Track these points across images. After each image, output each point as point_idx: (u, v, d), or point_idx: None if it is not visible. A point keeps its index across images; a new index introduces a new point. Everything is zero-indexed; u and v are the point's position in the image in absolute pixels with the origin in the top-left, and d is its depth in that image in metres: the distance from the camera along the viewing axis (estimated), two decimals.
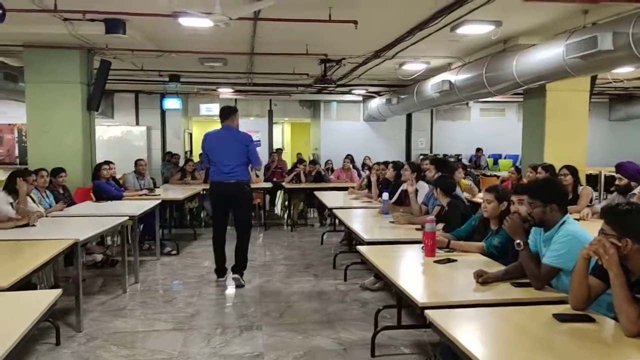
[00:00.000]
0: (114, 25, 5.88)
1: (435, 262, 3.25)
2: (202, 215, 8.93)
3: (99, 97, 7.54)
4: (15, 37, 6.71)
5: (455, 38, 6.73)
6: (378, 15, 5.70)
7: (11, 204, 4.66)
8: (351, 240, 6.95)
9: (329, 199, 6.83)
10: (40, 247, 3.66)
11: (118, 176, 7.29)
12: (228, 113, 5.38)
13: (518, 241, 2.71)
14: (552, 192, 2.74)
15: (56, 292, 2.59)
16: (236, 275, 5.30)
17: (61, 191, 5.97)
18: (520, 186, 3.50)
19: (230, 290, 5.22)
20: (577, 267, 2.25)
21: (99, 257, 5.92)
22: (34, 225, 4.46)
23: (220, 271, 5.46)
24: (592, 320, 2.19)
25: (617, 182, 4.84)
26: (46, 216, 4.99)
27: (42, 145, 7.13)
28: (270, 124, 14.11)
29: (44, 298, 2.52)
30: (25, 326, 2.15)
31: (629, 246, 2.10)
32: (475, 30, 6.10)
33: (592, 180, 9.13)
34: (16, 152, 12.77)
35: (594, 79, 7.84)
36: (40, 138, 7.17)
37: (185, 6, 5.11)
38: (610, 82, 9.69)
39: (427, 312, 2.33)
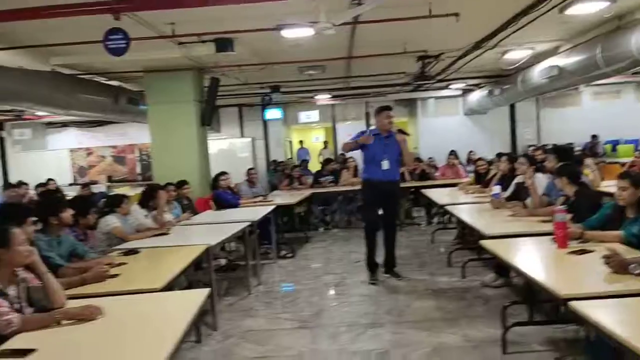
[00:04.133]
0: (223, 44, 6.28)
1: (569, 253, 3.10)
2: (311, 219, 9.18)
3: (210, 113, 8.07)
4: (135, 63, 7.37)
5: (564, 19, 6.36)
6: (481, 3, 5.55)
7: (145, 215, 5.15)
8: (464, 237, 6.80)
9: (437, 196, 6.73)
10: (178, 253, 3.99)
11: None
12: (374, 113, 5.58)
13: None
14: None
15: (205, 291, 2.82)
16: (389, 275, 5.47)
17: (186, 202, 6.46)
18: None
19: (349, 289, 5.31)
20: None
21: (223, 261, 6.31)
22: (168, 234, 4.86)
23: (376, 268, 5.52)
24: None
25: None
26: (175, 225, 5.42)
27: (164, 161, 7.76)
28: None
29: (195, 297, 2.76)
30: (186, 322, 2.37)
31: None
32: (587, 9, 5.73)
33: None
34: (138, 170, 13.97)
35: None
36: (163, 155, 7.82)
37: (290, 18, 5.33)
38: None
39: (572, 303, 2.24)
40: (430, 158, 10.67)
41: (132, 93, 9.18)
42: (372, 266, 5.48)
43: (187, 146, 7.80)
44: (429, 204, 8.76)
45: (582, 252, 3.09)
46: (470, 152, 10.72)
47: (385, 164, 5.23)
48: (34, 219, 3.25)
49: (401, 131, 5.39)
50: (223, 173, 7.10)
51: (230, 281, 5.85)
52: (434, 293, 4.96)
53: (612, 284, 2.50)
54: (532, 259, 3.25)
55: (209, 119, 8.06)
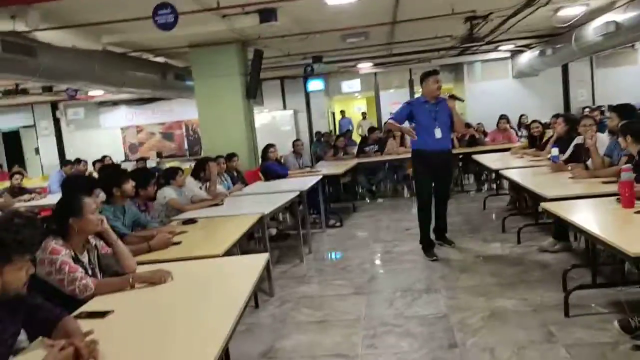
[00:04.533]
0: (267, 14, 6.24)
1: (636, 212, 2.98)
2: (356, 189, 9.18)
3: (255, 86, 8.11)
4: (182, 39, 7.45)
5: None
6: None
7: (199, 187, 5.27)
8: (518, 203, 6.66)
9: (489, 161, 6.57)
10: (233, 222, 4.08)
11: None
12: (420, 79, 5.15)
13: None
14: None
15: (265, 256, 2.89)
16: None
17: (235, 174, 6.57)
18: None
19: (399, 256, 5.29)
20: None
21: (274, 231, 6.42)
22: (222, 204, 4.97)
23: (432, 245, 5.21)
24: None
25: None
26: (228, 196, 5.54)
27: (212, 135, 7.90)
28: (412, 94, 13.91)
29: (256, 261, 2.83)
30: (251, 284, 2.44)
31: None
32: None
33: None
34: (185, 145, 14.28)
35: None
36: (211, 129, 7.95)
37: None
38: None
39: None
40: (479, 124, 10.39)
41: (178, 69, 9.32)
42: (428, 244, 5.15)
43: (233, 119, 7.89)
44: (479, 170, 8.61)
45: None
46: (522, 115, 10.35)
47: (438, 133, 4.93)
48: (99, 190, 3.38)
49: (453, 97, 5.07)
50: (271, 145, 7.16)
51: (281, 250, 5.95)
52: (488, 259, 4.90)
53: None
54: (596, 219, 3.14)
55: (254, 91, 8.10)
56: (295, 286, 4.66)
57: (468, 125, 9.41)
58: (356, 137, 12.18)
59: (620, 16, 7.20)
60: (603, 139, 4.72)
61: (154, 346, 1.87)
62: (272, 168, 6.92)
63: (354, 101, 17.71)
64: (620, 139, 4.08)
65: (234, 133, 7.83)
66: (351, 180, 9.03)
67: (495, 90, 12.70)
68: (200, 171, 5.39)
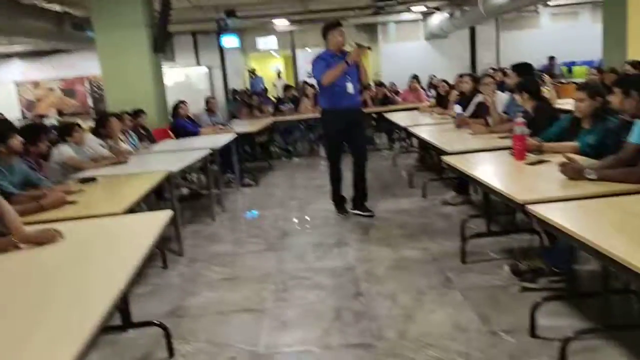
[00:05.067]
0: None
1: (527, 164, 3.19)
2: (273, 148, 9.11)
3: (163, 39, 7.66)
4: None
5: None
6: None
7: (101, 145, 4.97)
8: (425, 159, 6.92)
9: (399, 119, 6.74)
10: (138, 179, 3.89)
11: None
12: (322, 32, 4.80)
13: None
14: None
15: (167, 213, 2.77)
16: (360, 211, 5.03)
17: (143, 132, 6.25)
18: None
19: (313, 213, 5.36)
20: None
21: (185, 191, 6.25)
22: (126, 162, 4.72)
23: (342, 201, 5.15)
24: None
25: None
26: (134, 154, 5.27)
27: (117, 91, 7.40)
28: None
29: (158, 219, 2.71)
30: (149, 243, 2.33)
31: None
32: None
33: None
34: (90, 103, 13.39)
35: None
36: (115, 85, 7.44)
37: None
38: None
39: (530, 207, 2.32)
40: (392, 83, 10.60)
41: (77, 19, 8.59)
42: (338, 200, 5.14)
43: (140, 75, 7.43)
44: (391, 129, 8.82)
45: (540, 162, 3.17)
46: (432, 76, 10.69)
47: (350, 88, 4.73)
48: None
49: (360, 45, 4.68)
50: (182, 102, 6.89)
51: (194, 210, 5.82)
52: (396, 213, 5.07)
53: (568, 189, 2.58)
54: (491, 171, 3.32)
55: (161, 45, 7.66)
56: (207, 245, 4.58)
57: (381, 85, 9.58)
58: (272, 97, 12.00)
59: None
60: (502, 97, 4.98)
61: (25, 316, 1.63)
62: (182, 125, 6.66)
63: (272, 59, 17.36)
64: (517, 96, 4.31)
65: (140, 89, 7.40)
66: (267, 140, 8.94)
67: (407, 51, 12.99)
68: (100, 127, 5.06)
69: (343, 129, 4.86)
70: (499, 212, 4.33)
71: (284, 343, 2.81)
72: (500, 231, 3.97)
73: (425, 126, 5.82)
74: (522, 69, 4.75)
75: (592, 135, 3.26)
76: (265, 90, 11.34)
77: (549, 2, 11.27)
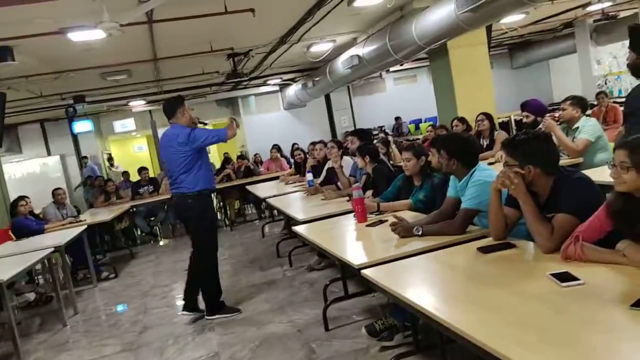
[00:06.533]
0: (1, 53, 5.55)
1: (367, 226, 3.33)
2: (136, 233, 8.65)
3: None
4: None
5: (354, 12, 6.84)
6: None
7: None
8: (290, 226, 6.99)
9: (262, 190, 6.80)
10: None
11: (37, 211, 6.89)
12: (169, 108, 4.29)
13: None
14: (458, 148, 2.89)
15: None
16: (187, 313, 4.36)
17: None
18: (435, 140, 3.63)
19: (176, 301, 5.07)
20: (490, 200, 2.38)
21: (31, 296, 5.60)
22: None
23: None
24: (513, 246, 2.33)
25: (524, 120, 5.12)
26: None
27: None
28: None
29: None
30: None
31: (532, 172, 2.24)
32: (371, 0, 6.22)
33: (504, 126, 9.62)
34: None
35: (489, 30, 8.21)
36: None
37: (70, 20, 4.88)
38: (506, 32, 10.21)
39: (364, 272, 2.39)
40: (256, 154, 10.77)
41: None
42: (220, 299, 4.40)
43: None
44: (258, 199, 8.84)
45: (379, 222, 3.34)
46: (294, 144, 11.05)
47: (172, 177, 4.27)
48: None
49: (202, 123, 4.52)
50: (21, 198, 6.28)
51: (43, 316, 5.22)
52: (263, 286, 4.99)
53: (400, 247, 2.72)
54: (336, 236, 3.42)
55: None
56: (54, 356, 4.09)
57: (242, 157, 9.69)
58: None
59: (361, 50, 8.18)
60: (348, 161, 5.25)
61: None
62: (23, 224, 6.05)
63: (133, 140, 16.85)
64: (358, 160, 4.56)
65: None
66: (129, 226, 8.47)
67: (269, 121, 13.39)
68: None
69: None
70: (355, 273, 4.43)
71: None
72: (359, 292, 4.04)
73: (285, 195, 5.92)
74: (362, 133, 5.09)
75: (422, 191, 3.53)
76: (126, 173, 10.87)
77: (389, 68, 12.41)
